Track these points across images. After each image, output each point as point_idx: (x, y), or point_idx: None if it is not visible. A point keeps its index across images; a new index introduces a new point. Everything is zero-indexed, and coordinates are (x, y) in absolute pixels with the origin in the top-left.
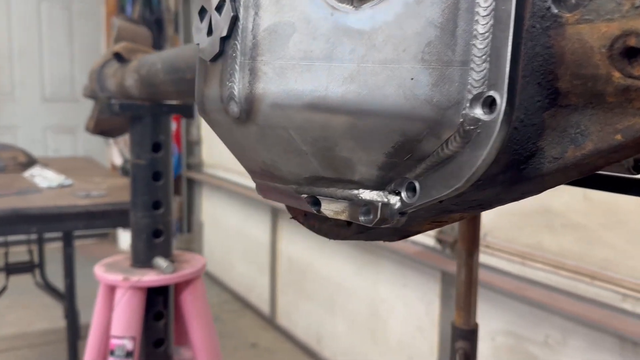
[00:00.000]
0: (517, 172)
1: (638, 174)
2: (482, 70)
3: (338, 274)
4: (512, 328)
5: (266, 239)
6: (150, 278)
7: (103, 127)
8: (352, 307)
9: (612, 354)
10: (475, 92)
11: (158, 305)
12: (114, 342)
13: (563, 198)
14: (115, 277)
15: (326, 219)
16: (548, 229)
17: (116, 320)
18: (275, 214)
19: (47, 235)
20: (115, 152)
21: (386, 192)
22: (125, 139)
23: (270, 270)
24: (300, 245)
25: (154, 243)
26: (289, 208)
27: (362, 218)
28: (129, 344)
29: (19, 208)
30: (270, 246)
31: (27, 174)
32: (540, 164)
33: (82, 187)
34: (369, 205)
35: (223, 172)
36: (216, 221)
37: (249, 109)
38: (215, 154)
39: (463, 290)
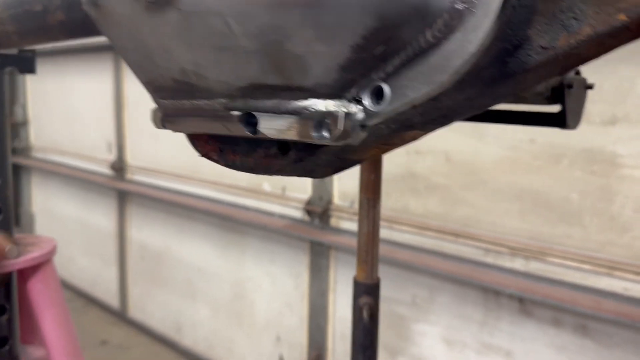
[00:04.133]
0: (502, 67)
1: (555, 103)
2: None
3: (199, 258)
4: (382, 291)
5: (112, 227)
6: None
7: None
8: (216, 291)
9: (476, 305)
10: None
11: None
12: None
13: (426, 162)
14: None
15: (253, 150)
16: (413, 192)
17: None
18: (122, 198)
19: None
20: None
21: (344, 101)
22: None
23: (119, 260)
24: (154, 231)
25: None
26: (198, 142)
27: (315, 134)
28: None
29: None
30: (117, 234)
31: None
32: (526, 56)
33: None
34: (327, 117)
35: (57, 156)
36: (50, 212)
37: None
38: (46, 135)
39: (365, 243)
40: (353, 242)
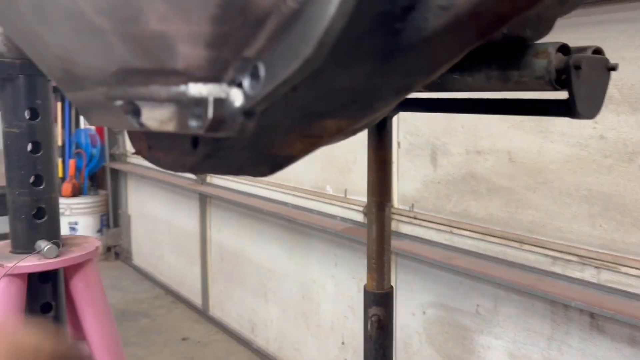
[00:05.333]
0: (392, 35)
1: (562, 89)
2: None
3: (269, 258)
4: (443, 300)
5: (195, 228)
6: (29, 263)
7: None
8: (285, 292)
9: (543, 318)
10: None
11: (45, 296)
12: None
13: (488, 162)
14: None
15: (173, 147)
16: (474, 195)
17: None
18: (203, 201)
19: None
20: None
21: (224, 84)
22: None
23: (201, 260)
24: (230, 232)
25: (35, 224)
26: (134, 139)
27: (192, 123)
28: None
29: None
30: (200, 235)
31: None
32: (423, 21)
33: None
34: (201, 104)
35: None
36: (144, 214)
37: None
38: None
39: (375, 249)
40: (414, 247)
